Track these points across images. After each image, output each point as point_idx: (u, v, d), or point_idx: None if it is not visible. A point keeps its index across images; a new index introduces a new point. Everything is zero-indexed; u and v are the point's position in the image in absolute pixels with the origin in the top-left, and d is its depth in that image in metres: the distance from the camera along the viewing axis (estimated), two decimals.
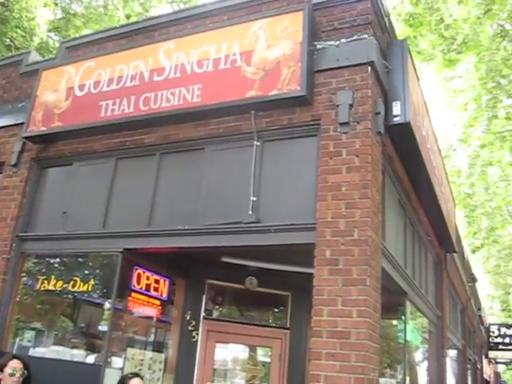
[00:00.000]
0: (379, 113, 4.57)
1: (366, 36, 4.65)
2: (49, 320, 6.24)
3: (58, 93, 6.01)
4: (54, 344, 5.84)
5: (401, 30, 12.66)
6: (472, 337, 15.88)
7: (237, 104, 4.85)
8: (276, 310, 6.98)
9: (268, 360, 6.43)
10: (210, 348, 6.17)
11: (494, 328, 22.06)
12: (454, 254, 9.91)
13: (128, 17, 15.40)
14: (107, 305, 5.52)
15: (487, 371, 22.95)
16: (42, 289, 5.70)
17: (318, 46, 4.80)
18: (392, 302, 5.83)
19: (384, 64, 4.89)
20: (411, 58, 5.25)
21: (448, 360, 9.27)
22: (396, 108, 4.79)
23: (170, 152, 5.39)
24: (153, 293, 5.97)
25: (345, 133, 4.43)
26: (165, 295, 6.16)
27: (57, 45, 12.09)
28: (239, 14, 5.31)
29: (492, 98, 13.50)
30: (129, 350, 5.55)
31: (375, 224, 4.28)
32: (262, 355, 6.72)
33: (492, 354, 22.26)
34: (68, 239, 5.57)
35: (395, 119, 4.76)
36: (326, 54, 4.74)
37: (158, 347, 6.27)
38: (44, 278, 5.72)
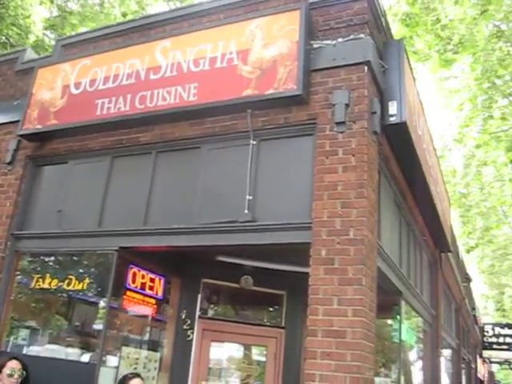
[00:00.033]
0: (375, 112, 4.58)
1: (363, 35, 4.65)
2: (43, 318, 6.23)
3: (53, 91, 5.99)
4: (49, 342, 5.85)
5: (397, 30, 12.68)
6: (466, 336, 15.93)
7: (233, 103, 4.84)
8: (271, 309, 6.97)
9: (263, 359, 6.42)
10: (205, 347, 6.16)
11: (488, 328, 22.14)
12: (449, 254, 9.94)
13: (124, 15, 15.34)
14: (102, 303, 5.52)
15: (481, 371, 23.01)
16: (37, 287, 5.67)
17: (315, 46, 4.80)
18: (387, 302, 5.84)
19: (380, 64, 4.89)
20: (407, 57, 5.26)
21: (442, 359, 9.30)
22: (392, 108, 4.80)
23: (166, 151, 5.39)
24: (148, 291, 5.96)
25: (341, 132, 4.44)
26: (160, 294, 6.15)
27: (52, 43, 12.03)
28: (236, 13, 5.30)
29: (487, 98, 13.56)
30: (124, 348, 5.53)
31: (371, 223, 4.29)
32: (257, 354, 6.72)
33: (486, 353, 22.34)
34: (63, 237, 5.56)
35: (391, 119, 4.77)
36: (323, 54, 4.74)
37: (153, 346, 6.27)
38: (39, 276, 5.69)
